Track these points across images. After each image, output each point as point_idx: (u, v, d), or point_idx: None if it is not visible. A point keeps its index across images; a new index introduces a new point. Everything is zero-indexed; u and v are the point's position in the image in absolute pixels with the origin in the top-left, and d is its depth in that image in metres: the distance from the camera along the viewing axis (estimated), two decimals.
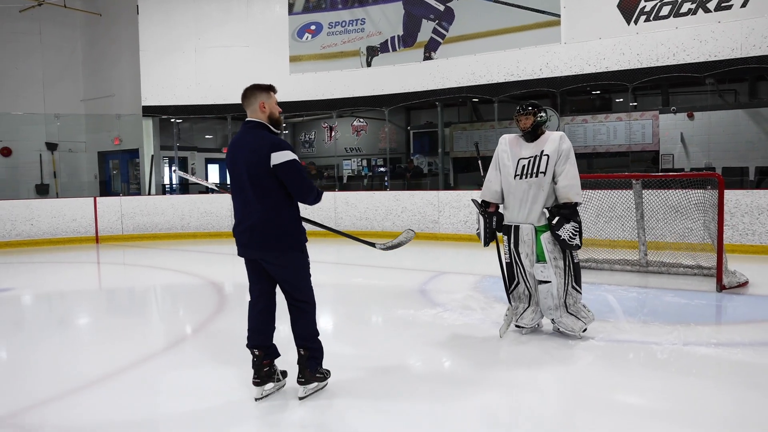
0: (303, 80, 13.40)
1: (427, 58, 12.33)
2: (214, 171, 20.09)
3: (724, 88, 14.30)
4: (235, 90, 13.79)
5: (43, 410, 3.78)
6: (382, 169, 18.69)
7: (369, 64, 12.96)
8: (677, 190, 7.62)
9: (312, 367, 3.80)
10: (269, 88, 3.78)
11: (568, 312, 4.86)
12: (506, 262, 5.07)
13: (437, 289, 7.23)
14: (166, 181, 16.10)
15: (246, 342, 3.84)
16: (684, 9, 9.89)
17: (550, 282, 4.81)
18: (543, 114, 4.85)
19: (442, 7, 12.15)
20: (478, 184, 5.69)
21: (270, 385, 3.86)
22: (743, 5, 9.45)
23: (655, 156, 13.27)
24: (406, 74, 12.55)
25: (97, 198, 13.12)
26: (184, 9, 13.89)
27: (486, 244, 5.00)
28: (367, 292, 7.49)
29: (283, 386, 3.94)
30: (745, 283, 6.95)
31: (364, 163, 20.56)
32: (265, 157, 3.55)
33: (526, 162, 4.79)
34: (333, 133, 20.83)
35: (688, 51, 9.86)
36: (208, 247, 12.00)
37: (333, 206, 13.04)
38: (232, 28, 13.73)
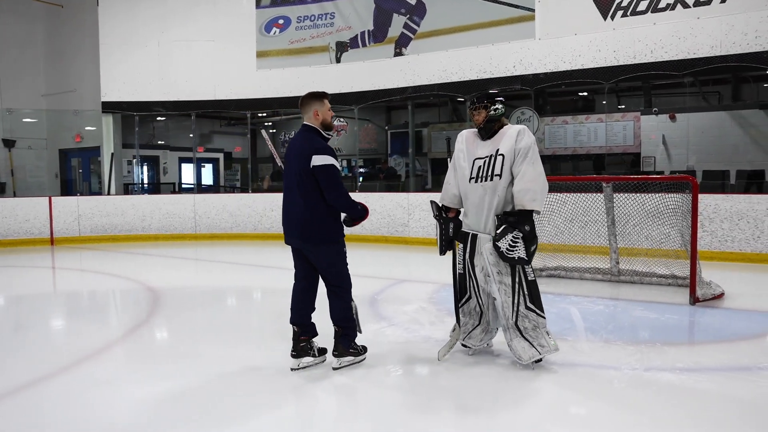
0: (270, 76, 12.84)
1: (398, 53, 11.81)
2: (188, 171, 19.41)
3: (707, 90, 13.88)
4: (200, 86, 13.04)
5: None
6: (362, 169, 18.17)
7: (338, 60, 12.42)
8: (654, 195, 7.14)
9: (345, 343, 4.31)
10: (323, 96, 4.26)
11: (521, 336, 4.20)
12: (459, 273, 4.49)
13: (389, 299, 6.70)
14: (143, 180, 15.52)
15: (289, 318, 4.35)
16: (662, 4, 9.41)
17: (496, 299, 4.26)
18: (498, 107, 4.22)
19: (413, 1, 11.63)
20: None
21: (307, 359, 4.33)
22: (723, 0, 8.98)
23: (635, 158, 12.83)
24: (376, 71, 12.02)
25: (53, 198, 12.50)
26: (147, 1, 13.28)
27: (442, 252, 4.47)
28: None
29: (322, 362, 4.38)
30: (720, 295, 6.47)
31: (344, 163, 20.04)
32: (308, 158, 4.04)
33: (481, 163, 4.21)
34: None
35: (666, 48, 9.38)
36: (168, 250, 11.43)
37: None
38: (197, 22, 13.13)
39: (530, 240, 4.07)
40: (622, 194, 7.39)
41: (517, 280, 4.18)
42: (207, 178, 19.99)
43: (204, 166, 19.90)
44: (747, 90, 13.60)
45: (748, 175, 11.41)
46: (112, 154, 13.86)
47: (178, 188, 18.17)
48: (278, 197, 12.47)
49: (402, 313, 6.01)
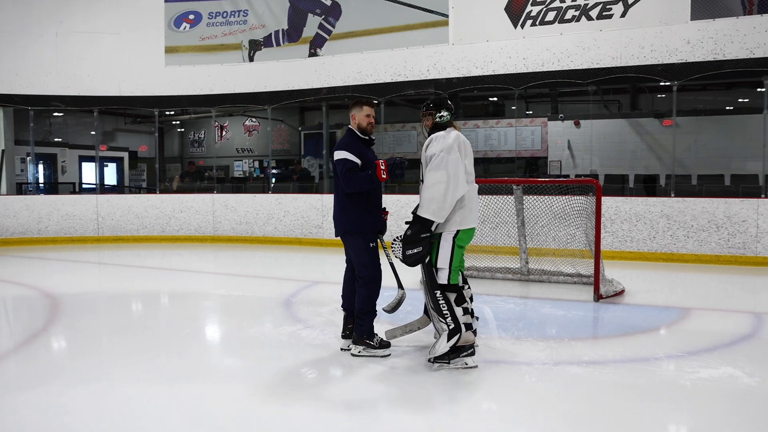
0: (180, 73, 12.42)
1: (313, 54, 11.73)
2: (90, 170, 18.45)
3: (608, 98, 14.62)
4: (103, 81, 12.37)
5: None
6: (275, 171, 17.94)
7: (251, 59, 12.19)
8: (560, 197, 7.43)
9: (358, 332, 4.62)
10: (362, 103, 4.69)
11: (438, 332, 4.32)
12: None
13: (305, 301, 6.64)
14: (38, 179, 14.59)
15: None
16: (568, 15, 9.82)
17: None
18: (443, 114, 4.38)
19: (329, 2, 11.58)
20: None
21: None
22: (623, 15, 9.48)
23: (542, 162, 13.33)
24: (290, 71, 11.88)
25: None
26: None
27: None
28: (226, 305, 6.78)
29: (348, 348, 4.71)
30: (621, 292, 6.82)
31: (256, 164, 19.70)
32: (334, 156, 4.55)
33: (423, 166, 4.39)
34: (224, 133, 19.84)
35: (572, 57, 9.79)
36: (68, 253, 10.85)
37: (211, 210, 12.18)
38: (100, 13, 12.48)
39: (408, 243, 4.15)
40: (531, 197, 7.65)
41: (426, 281, 4.32)
42: (111, 178, 19.15)
43: (107, 166, 19.04)
44: (644, 99, 14.43)
45: (644, 179, 12.10)
46: (3, 150, 12.97)
47: (78, 188, 17.29)
48: (188, 198, 12.19)
49: (317, 315, 5.96)
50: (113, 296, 7.29)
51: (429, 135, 4.41)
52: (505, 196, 7.74)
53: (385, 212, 4.74)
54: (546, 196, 7.65)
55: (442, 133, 4.31)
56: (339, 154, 4.48)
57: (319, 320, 5.74)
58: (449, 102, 4.50)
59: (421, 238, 4.14)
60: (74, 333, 5.60)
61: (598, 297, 6.52)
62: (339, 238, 4.68)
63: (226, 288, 7.77)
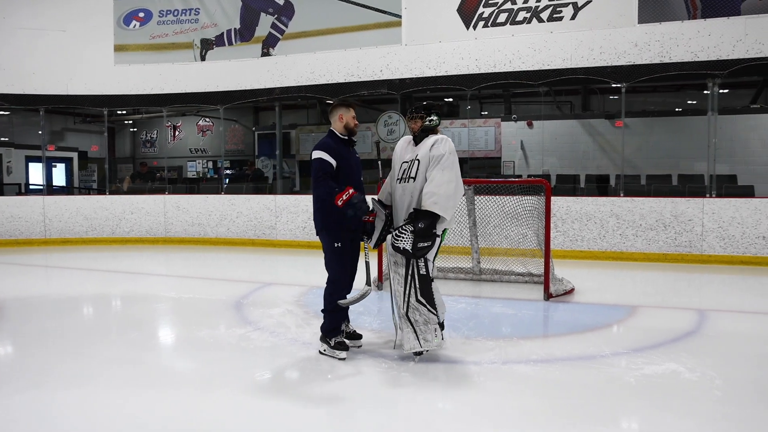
0: (129, 72, 12.15)
1: (266, 54, 11.60)
2: (37, 171, 17.88)
3: (560, 99, 14.84)
4: (50, 79, 11.97)
5: None
6: (228, 171, 17.69)
7: (203, 58, 12.00)
8: (512, 197, 7.49)
9: (322, 329, 4.66)
10: (348, 104, 4.71)
11: (411, 327, 4.36)
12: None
13: (256, 303, 6.54)
14: None
15: None
16: (520, 17, 9.93)
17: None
18: (433, 118, 4.57)
19: (281, 1, 11.47)
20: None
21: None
22: (573, 17, 9.64)
23: (496, 162, 13.45)
24: (243, 70, 11.73)
25: None
26: None
27: (375, 246, 4.68)
28: (177, 308, 6.64)
29: (358, 347, 4.80)
30: (571, 291, 6.92)
31: (210, 165, 19.40)
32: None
33: (406, 166, 4.53)
34: (177, 133, 19.48)
35: (523, 59, 9.91)
36: (13, 257, 10.51)
37: (163, 211, 11.94)
38: (46, 9, 12.11)
39: (421, 236, 4.27)
40: (483, 197, 7.70)
41: (410, 272, 4.36)
42: (59, 178, 18.60)
43: (56, 166, 18.49)
44: (595, 101, 14.70)
45: (595, 180, 12.32)
46: None
47: (25, 189, 16.74)
48: (139, 199, 11.88)
49: (268, 316, 5.89)
50: (61, 300, 7.07)
51: (417, 138, 4.60)
52: None
53: (371, 213, 4.63)
54: (498, 196, 7.72)
55: (443, 135, 4.53)
56: (316, 154, 4.50)
57: (269, 322, 5.67)
58: (437, 107, 4.69)
59: (433, 233, 4.30)
60: (19, 339, 5.41)
61: (548, 296, 6.60)
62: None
63: (178, 290, 7.61)
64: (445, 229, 4.46)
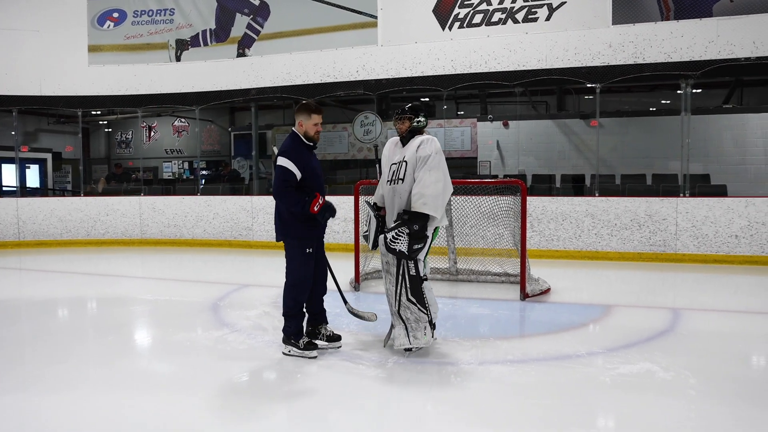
0: (104, 73, 11.99)
1: (241, 54, 11.52)
2: (9, 172, 17.56)
3: (536, 100, 14.96)
4: (23, 79, 11.81)
5: None
6: (204, 172, 17.58)
7: (178, 59, 11.88)
8: (488, 197, 7.53)
9: (286, 332, 4.65)
10: (310, 110, 4.60)
11: (403, 324, 4.53)
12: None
13: (233, 304, 6.51)
14: None
15: None
16: (495, 18, 9.98)
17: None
18: (421, 119, 4.64)
19: (257, 2, 11.41)
20: None
21: (319, 342, 4.76)
22: (548, 18, 9.71)
23: (473, 162, 13.51)
24: (218, 71, 11.64)
25: None
26: None
27: (373, 247, 4.74)
28: (152, 310, 6.58)
29: (337, 348, 4.80)
30: (547, 290, 6.97)
31: (186, 165, 19.26)
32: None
33: (395, 168, 4.61)
34: (152, 133, 19.28)
35: (498, 59, 9.96)
36: None
37: (138, 212, 11.81)
38: (18, 9, 11.90)
39: (415, 238, 4.35)
40: (459, 197, 7.73)
41: (401, 272, 4.47)
42: (33, 180, 18.32)
43: (29, 167, 18.20)
44: (570, 101, 14.85)
45: (571, 179, 12.43)
46: None
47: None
48: (114, 201, 11.75)
49: (245, 318, 5.86)
50: (36, 303, 6.97)
51: (404, 139, 4.67)
52: None
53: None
54: (474, 197, 7.75)
55: (429, 136, 4.61)
56: (281, 161, 4.45)
57: (246, 324, 5.65)
58: (424, 108, 4.77)
59: (426, 234, 4.39)
60: None
61: (524, 296, 6.65)
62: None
63: (154, 293, 7.53)
64: (436, 228, 4.53)
